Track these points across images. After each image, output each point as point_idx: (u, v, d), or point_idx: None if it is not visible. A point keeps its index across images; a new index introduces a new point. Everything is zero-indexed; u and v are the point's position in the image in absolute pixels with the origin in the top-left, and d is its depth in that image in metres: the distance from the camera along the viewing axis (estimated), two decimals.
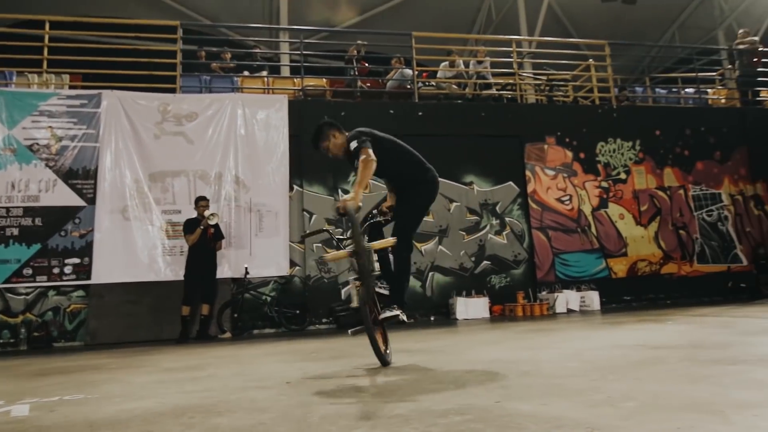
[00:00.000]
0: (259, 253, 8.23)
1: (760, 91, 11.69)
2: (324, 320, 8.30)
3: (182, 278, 7.53)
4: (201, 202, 7.65)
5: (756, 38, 12.00)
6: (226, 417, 2.13)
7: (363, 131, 3.80)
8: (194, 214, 7.66)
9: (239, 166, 8.40)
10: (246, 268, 7.92)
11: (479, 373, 3.00)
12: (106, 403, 2.62)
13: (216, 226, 7.63)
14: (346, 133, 3.88)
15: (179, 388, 3.00)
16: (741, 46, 11.50)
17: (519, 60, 10.90)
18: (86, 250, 7.69)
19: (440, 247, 8.97)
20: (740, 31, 12.00)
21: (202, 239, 7.49)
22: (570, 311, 8.65)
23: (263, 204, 8.37)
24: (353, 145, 3.67)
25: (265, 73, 10.28)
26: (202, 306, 7.49)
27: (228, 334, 7.61)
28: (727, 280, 9.89)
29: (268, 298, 8.14)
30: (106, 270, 7.67)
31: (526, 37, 13.35)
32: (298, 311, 8.06)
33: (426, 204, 3.98)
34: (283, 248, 8.31)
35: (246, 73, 10.26)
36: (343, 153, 3.88)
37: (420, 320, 8.50)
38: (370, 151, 3.60)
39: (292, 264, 8.38)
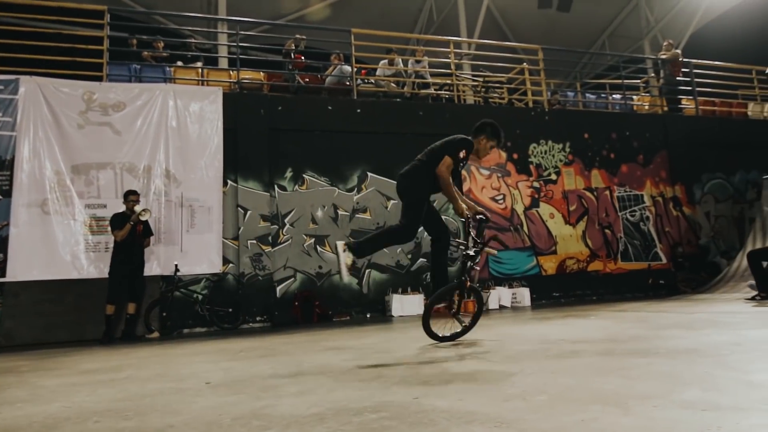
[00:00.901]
0: (191, 250, 7.97)
1: (680, 99, 12.40)
2: (258, 318, 8.15)
3: (107, 276, 7.19)
4: (131, 196, 7.33)
5: (678, 51, 12.72)
6: (134, 421, 2.04)
7: None
8: (121, 209, 7.33)
9: (170, 159, 8.10)
10: (176, 265, 7.65)
11: (404, 370, 3.02)
12: (6, 409, 2.46)
13: (146, 222, 7.34)
14: None
15: (91, 391, 2.86)
16: (664, 56, 12.17)
17: (457, 61, 11.08)
18: (1, 246, 7.21)
19: None
20: (665, 42, 12.69)
21: (131, 235, 7.18)
22: (502, 307, 8.89)
23: (195, 199, 8.11)
24: None
25: (199, 64, 9.97)
26: (129, 304, 7.18)
27: (156, 334, 7.33)
28: (648, 277, 10.45)
29: (200, 296, 7.91)
30: (24, 267, 7.21)
31: (465, 39, 13.58)
32: (230, 309, 7.88)
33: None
34: (216, 245, 8.09)
35: (180, 63, 9.91)
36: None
37: (356, 317, 8.51)
38: None
39: (226, 261, 8.18)
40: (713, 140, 11.42)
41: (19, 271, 7.18)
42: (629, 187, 10.76)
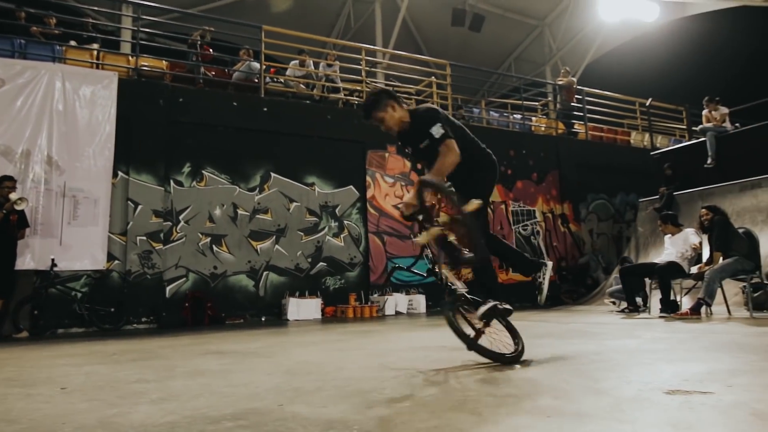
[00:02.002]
0: (72, 244, 7.41)
1: (573, 123, 13.31)
2: (144, 319, 7.72)
3: None
4: (6, 182, 6.69)
5: (573, 78, 13.66)
6: None
7: (441, 113, 3.41)
8: None
9: (53, 144, 7.50)
10: (53, 260, 7.08)
11: (280, 375, 2.97)
12: None
13: (21, 211, 6.73)
14: (407, 108, 3.49)
15: None
16: (560, 82, 13.01)
17: (368, 69, 11.18)
18: None
19: (277, 246, 8.85)
20: (562, 69, 13.57)
21: (3, 226, 6.55)
22: (398, 313, 9.04)
23: (80, 189, 7.56)
24: (438, 131, 3.29)
25: (96, 45, 9.31)
26: None
27: (24, 333, 6.72)
28: (536, 288, 11.03)
29: (79, 294, 7.36)
30: None
31: (379, 48, 13.76)
32: (113, 309, 7.40)
33: (491, 191, 3.82)
34: (101, 239, 7.58)
35: (73, 43, 9.20)
36: (399, 128, 3.46)
37: (250, 321, 8.29)
38: (455, 145, 3.28)
39: (111, 257, 7.68)
40: (599, 163, 12.36)
41: None
42: (523, 202, 11.38)
